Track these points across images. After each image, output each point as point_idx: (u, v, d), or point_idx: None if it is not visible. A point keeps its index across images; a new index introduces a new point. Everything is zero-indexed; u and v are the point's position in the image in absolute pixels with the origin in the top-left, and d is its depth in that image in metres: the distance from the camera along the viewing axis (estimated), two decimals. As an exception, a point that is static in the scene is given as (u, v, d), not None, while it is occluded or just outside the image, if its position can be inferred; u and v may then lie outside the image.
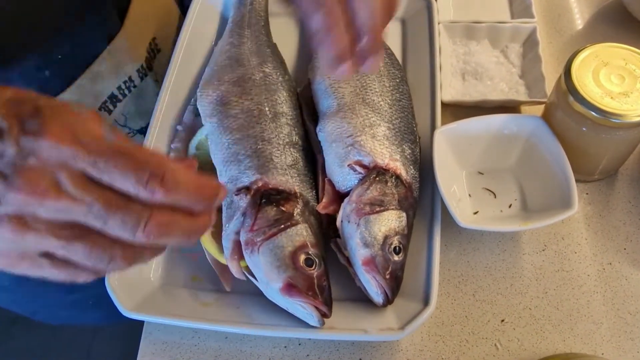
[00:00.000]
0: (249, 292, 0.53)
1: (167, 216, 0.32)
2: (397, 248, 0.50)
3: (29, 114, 0.30)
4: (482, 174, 0.60)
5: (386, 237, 0.50)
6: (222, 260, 0.53)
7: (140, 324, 0.55)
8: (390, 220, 0.51)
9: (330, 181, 0.55)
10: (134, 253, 0.33)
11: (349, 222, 0.51)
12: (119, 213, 0.31)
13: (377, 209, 0.51)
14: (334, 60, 0.41)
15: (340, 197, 0.54)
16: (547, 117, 0.59)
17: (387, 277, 0.49)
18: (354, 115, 0.57)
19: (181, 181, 0.32)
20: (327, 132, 0.57)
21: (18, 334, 1.56)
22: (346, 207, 0.52)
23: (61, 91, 0.61)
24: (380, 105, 0.58)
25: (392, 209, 0.51)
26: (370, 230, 0.50)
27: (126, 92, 0.70)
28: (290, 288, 0.48)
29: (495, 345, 0.53)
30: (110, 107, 0.68)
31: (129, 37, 0.68)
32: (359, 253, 0.49)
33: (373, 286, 0.49)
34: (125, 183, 0.31)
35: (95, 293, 0.89)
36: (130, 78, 0.70)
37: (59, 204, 0.31)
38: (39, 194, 0.30)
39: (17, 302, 0.88)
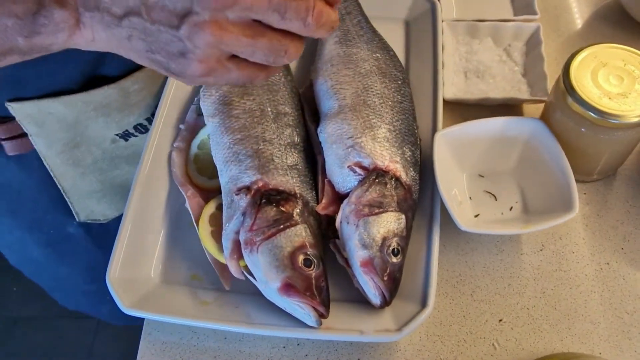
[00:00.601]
0: (248, 292, 0.53)
1: (323, 6, 0.38)
2: (396, 250, 0.50)
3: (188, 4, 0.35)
4: (483, 176, 0.60)
5: (385, 239, 0.50)
6: (222, 259, 0.53)
7: (142, 324, 0.55)
8: (389, 222, 0.51)
9: (330, 182, 0.55)
10: (299, 46, 0.40)
11: (348, 223, 0.51)
12: (293, 2, 0.37)
13: (376, 210, 0.51)
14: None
15: (339, 198, 0.54)
16: (546, 118, 0.59)
17: (385, 278, 0.49)
18: (354, 117, 0.57)
19: None
20: (327, 133, 0.57)
21: (19, 334, 1.56)
22: (345, 209, 0.52)
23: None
24: (382, 107, 0.58)
25: (391, 211, 0.51)
26: (369, 232, 0.50)
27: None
28: (288, 288, 0.48)
29: (493, 344, 0.53)
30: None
31: None
32: (357, 254, 0.50)
33: (371, 287, 0.49)
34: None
35: None
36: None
37: (245, 3, 0.36)
38: (211, 73, 0.38)
39: (41, 276, 0.90)
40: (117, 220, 0.75)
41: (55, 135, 0.65)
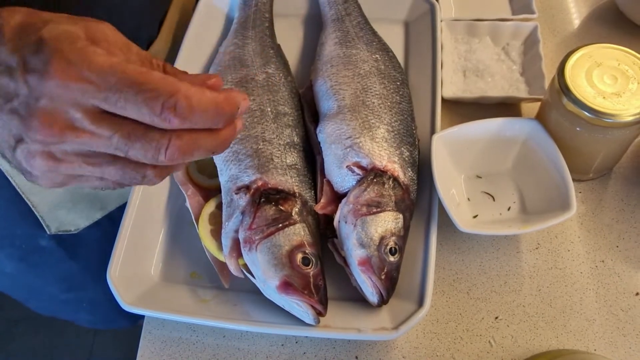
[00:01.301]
0: (247, 290, 0.53)
1: (187, 139, 0.32)
2: (393, 249, 0.50)
3: (33, 49, 0.30)
4: (481, 177, 0.61)
5: (382, 238, 0.50)
6: (221, 257, 0.54)
7: (141, 326, 0.56)
8: (387, 222, 0.51)
9: (328, 182, 0.55)
10: (163, 170, 0.34)
11: (346, 222, 0.51)
12: (138, 143, 0.31)
13: (374, 210, 0.51)
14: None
15: (338, 197, 0.54)
16: (541, 117, 0.60)
17: (383, 277, 0.49)
18: (353, 117, 0.57)
19: (196, 105, 0.31)
20: (326, 133, 0.57)
21: (20, 335, 1.56)
22: (343, 208, 0.52)
23: None
24: (380, 107, 0.58)
25: (389, 211, 0.52)
26: (367, 231, 0.50)
27: None
28: (286, 286, 0.48)
29: (490, 342, 0.54)
30: None
31: (163, 41, 0.69)
32: (355, 253, 0.50)
33: (368, 286, 0.50)
34: (140, 114, 0.31)
35: (91, 297, 0.90)
36: None
37: (79, 140, 0.31)
38: (57, 134, 0.31)
39: (14, 288, 0.89)
40: (89, 229, 0.75)
41: None
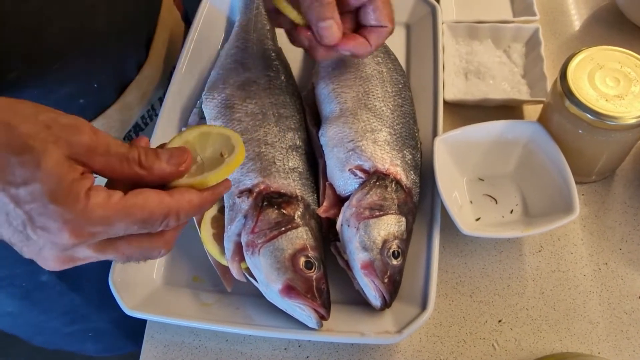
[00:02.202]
0: (250, 294, 0.53)
1: (178, 233, 0.41)
2: (396, 252, 0.50)
3: (38, 207, 0.34)
4: (483, 180, 0.61)
5: (385, 242, 0.50)
6: (223, 261, 0.54)
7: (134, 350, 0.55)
8: (390, 225, 0.51)
9: (331, 185, 0.55)
10: (173, 237, 0.41)
11: (348, 226, 0.51)
12: (140, 256, 0.40)
13: (377, 213, 0.51)
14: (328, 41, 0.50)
15: (340, 201, 0.54)
16: (544, 120, 0.60)
17: (385, 281, 0.49)
18: (355, 120, 0.57)
19: (184, 216, 0.39)
20: (328, 136, 0.57)
21: (19, 342, 1.55)
22: (346, 211, 0.52)
23: (90, 121, 0.61)
24: (382, 110, 0.58)
25: (392, 214, 0.52)
26: (370, 235, 0.50)
27: (148, 120, 0.71)
28: (289, 290, 0.48)
29: (493, 345, 0.53)
30: (133, 136, 0.69)
31: (154, 66, 0.69)
32: (357, 257, 0.50)
33: (371, 290, 0.49)
34: (140, 238, 0.39)
35: (95, 327, 0.90)
36: (152, 107, 0.71)
37: (87, 261, 0.39)
38: (66, 266, 0.38)
39: (18, 327, 0.89)
40: None
41: None
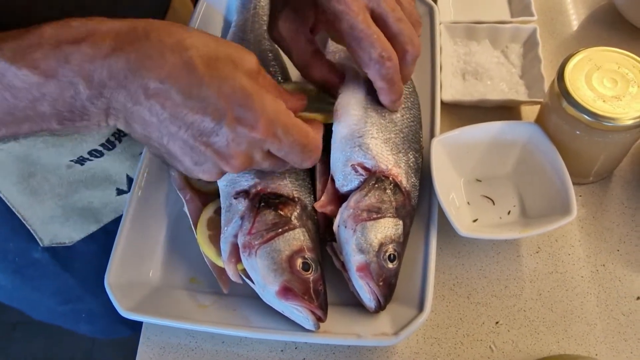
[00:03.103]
0: (247, 295, 0.53)
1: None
2: (392, 256, 0.50)
3: (240, 101, 0.41)
4: (480, 181, 0.60)
5: (381, 244, 0.50)
6: (220, 263, 0.53)
7: (128, 335, 0.55)
8: (387, 228, 0.51)
9: (332, 180, 0.55)
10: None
11: (345, 227, 0.51)
12: (284, 167, 0.49)
13: (374, 215, 0.51)
14: (392, 102, 0.55)
15: (339, 197, 0.54)
16: (541, 121, 0.59)
17: (380, 284, 0.49)
18: (368, 117, 0.56)
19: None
20: (339, 129, 0.56)
21: (19, 339, 1.56)
22: (343, 213, 0.52)
23: None
24: (393, 112, 0.57)
25: (389, 217, 0.51)
26: (366, 237, 0.50)
27: None
28: (286, 291, 0.48)
29: (490, 347, 0.53)
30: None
31: None
32: (353, 259, 0.50)
33: (366, 292, 0.49)
34: (292, 162, 0.47)
35: (89, 309, 0.90)
36: None
37: (258, 166, 0.47)
38: (243, 170, 0.45)
39: (14, 300, 0.89)
40: (84, 241, 0.75)
41: (8, 168, 0.64)
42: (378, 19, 0.50)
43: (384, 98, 0.54)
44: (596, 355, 0.52)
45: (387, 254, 0.50)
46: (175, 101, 0.40)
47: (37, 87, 0.38)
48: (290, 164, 0.48)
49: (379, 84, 0.52)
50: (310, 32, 0.55)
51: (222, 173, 0.45)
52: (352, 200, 0.52)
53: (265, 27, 0.70)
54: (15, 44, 0.38)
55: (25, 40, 0.38)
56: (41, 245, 0.72)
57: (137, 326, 0.55)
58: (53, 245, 0.74)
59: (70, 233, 0.74)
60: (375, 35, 0.49)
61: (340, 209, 0.53)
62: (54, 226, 0.72)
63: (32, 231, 0.71)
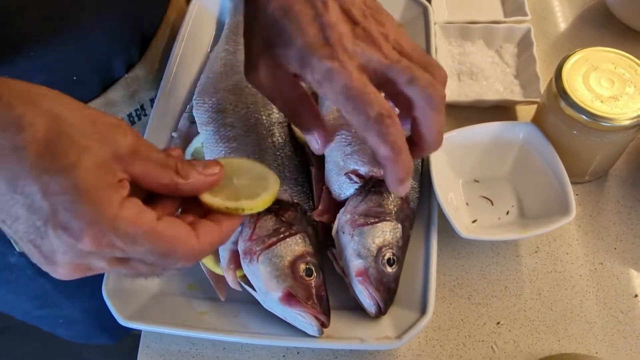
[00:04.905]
0: (247, 301, 0.52)
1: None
2: (391, 260, 0.50)
3: (66, 201, 0.33)
4: (478, 182, 0.61)
5: (380, 249, 0.49)
6: (217, 270, 0.53)
7: (130, 335, 0.55)
8: (385, 232, 0.50)
9: (327, 189, 0.54)
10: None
11: (343, 232, 0.51)
12: (150, 273, 0.38)
13: (372, 220, 0.50)
14: (400, 181, 0.43)
15: (336, 205, 0.54)
16: (538, 121, 0.60)
17: (380, 288, 0.49)
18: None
19: (207, 253, 0.39)
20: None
21: (6, 344, 1.53)
22: (341, 218, 0.51)
23: None
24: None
25: (387, 221, 0.51)
26: (364, 242, 0.50)
27: (135, 119, 0.69)
28: (289, 297, 0.48)
29: (492, 347, 0.53)
30: None
31: (148, 67, 0.67)
32: (352, 264, 0.49)
33: (366, 297, 0.49)
34: (150, 266, 0.37)
35: (66, 314, 0.88)
36: (142, 107, 0.69)
37: (97, 272, 0.37)
38: (77, 276, 0.36)
39: None
40: None
41: None
42: (381, 77, 0.42)
43: (388, 176, 0.43)
44: (596, 353, 0.53)
45: (386, 258, 0.49)
46: (1, 190, 0.33)
47: None
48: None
49: (382, 152, 0.41)
50: (294, 75, 0.44)
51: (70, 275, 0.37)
52: (349, 206, 0.52)
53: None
54: None
55: None
56: (17, 249, 0.71)
57: (117, 334, 0.54)
58: None
59: None
60: (372, 95, 0.41)
61: (338, 215, 0.52)
62: None
63: (8, 235, 0.69)
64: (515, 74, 0.70)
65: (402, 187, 0.43)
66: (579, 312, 0.55)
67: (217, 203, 0.39)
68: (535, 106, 0.63)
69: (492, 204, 0.59)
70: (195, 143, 0.60)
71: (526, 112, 0.68)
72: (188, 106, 0.63)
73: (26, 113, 0.33)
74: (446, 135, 0.58)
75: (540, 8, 0.80)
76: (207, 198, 0.39)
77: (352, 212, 0.51)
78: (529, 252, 0.59)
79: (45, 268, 0.36)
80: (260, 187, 0.43)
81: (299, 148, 0.59)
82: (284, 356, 0.53)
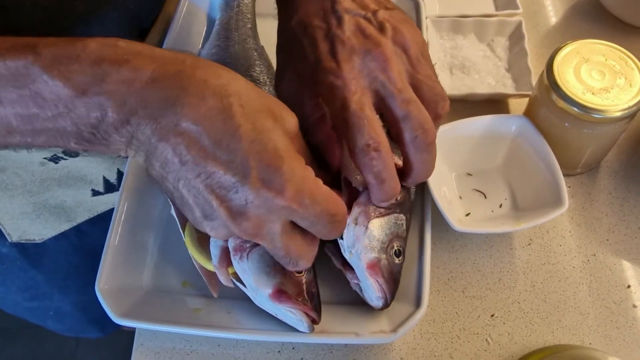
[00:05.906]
0: (241, 297, 0.52)
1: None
2: (398, 251, 0.50)
3: (268, 164, 0.37)
4: (471, 175, 0.61)
5: (390, 241, 0.50)
6: (209, 266, 0.52)
7: (123, 332, 0.54)
8: (394, 224, 0.50)
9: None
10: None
11: (356, 224, 0.50)
12: (295, 256, 0.43)
13: (383, 212, 0.50)
14: (382, 202, 0.47)
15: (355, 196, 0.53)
16: (530, 114, 0.60)
17: (390, 281, 0.49)
18: None
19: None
20: None
21: (0, 344, 1.53)
22: (355, 210, 0.51)
23: None
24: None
25: (396, 213, 0.51)
26: (378, 234, 0.49)
27: None
28: (280, 294, 0.47)
29: (487, 340, 0.54)
30: None
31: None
32: (365, 256, 0.49)
33: (375, 290, 0.49)
34: (319, 234, 0.42)
35: (57, 307, 0.88)
36: None
37: (262, 244, 0.41)
38: (253, 239, 0.40)
39: None
40: (55, 239, 0.73)
41: None
42: (381, 101, 0.44)
43: (372, 194, 0.46)
44: (590, 344, 0.53)
45: (394, 249, 0.49)
46: (203, 146, 0.37)
47: (65, 101, 0.36)
48: (318, 236, 0.43)
49: (366, 177, 0.45)
50: (316, 96, 0.47)
51: (231, 234, 0.40)
52: (362, 197, 0.51)
53: (249, 25, 0.69)
54: (56, 51, 0.36)
55: (67, 49, 0.36)
56: (9, 240, 0.71)
57: (108, 328, 0.54)
58: (22, 242, 0.72)
59: (40, 230, 0.72)
60: (366, 121, 0.42)
61: (353, 206, 0.51)
62: (24, 222, 0.70)
63: (0, 226, 0.69)
64: (507, 67, 0.70)
65: (385, 203, 0.48)
66: (572, 303, 0.55)
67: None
68: (527, 99, 0.63)
69: (485, 197, 0.59)
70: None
71: (518, 105, 0.68)
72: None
73: (230, 83, 0.38)
74: (439, 129, 0.58)
75: (531, 1, 0.80)
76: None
77: (366, 203, 0.51)
78: (522, 245, 0.59)
79: (228, 222, 0.38)
80: None
81: None
82: (279, 352, 0.53)
